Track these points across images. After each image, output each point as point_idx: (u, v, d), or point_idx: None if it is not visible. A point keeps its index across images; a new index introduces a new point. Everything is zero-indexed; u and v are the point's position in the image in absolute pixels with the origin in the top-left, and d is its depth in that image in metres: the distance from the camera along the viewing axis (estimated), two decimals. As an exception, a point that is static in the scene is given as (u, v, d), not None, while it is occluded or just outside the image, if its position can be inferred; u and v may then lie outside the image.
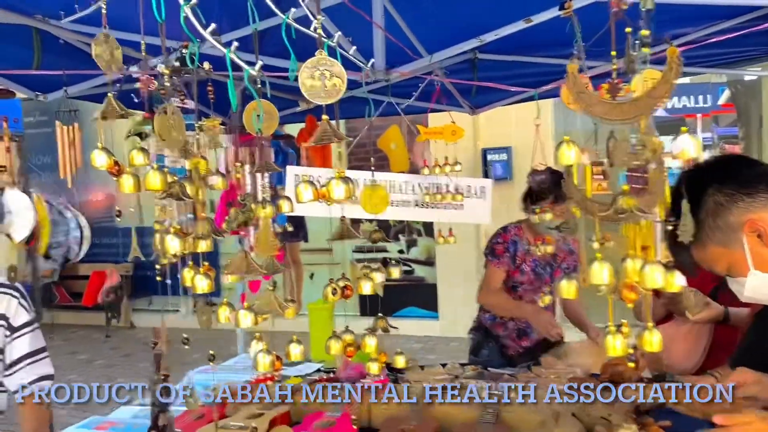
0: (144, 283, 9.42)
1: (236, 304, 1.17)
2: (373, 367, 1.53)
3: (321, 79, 1.05)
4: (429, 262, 8.56)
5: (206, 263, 1.24)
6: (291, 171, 2.95)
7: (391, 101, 2.74)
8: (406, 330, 8.24)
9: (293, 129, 5.97)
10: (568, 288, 1.16)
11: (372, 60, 2.22)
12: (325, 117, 1.09)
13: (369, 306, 1.62)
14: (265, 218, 1.15)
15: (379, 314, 1.52)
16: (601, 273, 1.00)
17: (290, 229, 3.81)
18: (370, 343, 1.46)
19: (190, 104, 2.16)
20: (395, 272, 1.66)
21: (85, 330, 9.66)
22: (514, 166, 7.78)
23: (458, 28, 2.80)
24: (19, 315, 2.27)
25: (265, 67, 2.91)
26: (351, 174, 2.91)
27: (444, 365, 3.20)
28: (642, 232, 1.10)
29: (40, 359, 2.31)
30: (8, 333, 2.25)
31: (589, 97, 0.95)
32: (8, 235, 4.99)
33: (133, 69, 2.15)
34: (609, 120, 0.94)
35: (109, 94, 1.24)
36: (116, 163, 1.23)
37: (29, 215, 5.38)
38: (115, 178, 1.21)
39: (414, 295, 8.40)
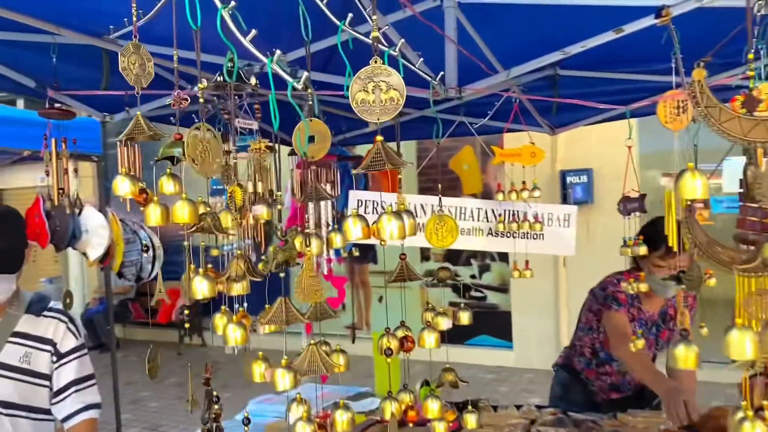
0: (218, 301, 9.49)
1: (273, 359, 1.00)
2: (439, 428, 1.32)
3: (375, 92, 0.88)
4: (503, 288, 8.23)
5: (242, 309, 1.09)
6: (353, 196, 2.79)
7: (463, 121, 2.52)
8: (477, 359, 7.92)
9: (363, 150, 5.88)
10: (685, 356, 0.92)
11: (441, 73, 2.02)
12: (378, 138, 0.91)
13: (422, 317, 1.44)
14: (308, 259, 0.98)
15: (448, 365, 1.32)
16: (742, 345, 0.73)
17: (357, 254, 3.65)
18: (433, 407, 1.26)
19: (254, 124, 2.04)
20: (465, 317, 1.45)
21: (160, 348, 9.83)
22: (595, 189, 7.38)
23: (537, 41, 2.58)
24: (67, 340, 2.20)
25: (331, 86, 2.78)
26: (418, 199, 2.72)
27: (519, 407, 2.94)
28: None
29: (87, 387, 2.22)
30: (55, 359, 2.18)
31: (719, 113, 0.73)
32: (84, 254, 5.06)
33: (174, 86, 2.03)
34: (749, 141, 0.71)
35: (137, 113, 1.11)
36: (143, 190, 1.10)
37: (105, 234, 5.42)
38: (141, 208, 1.08)
39: (486, 322, 8.08)
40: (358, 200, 2.71)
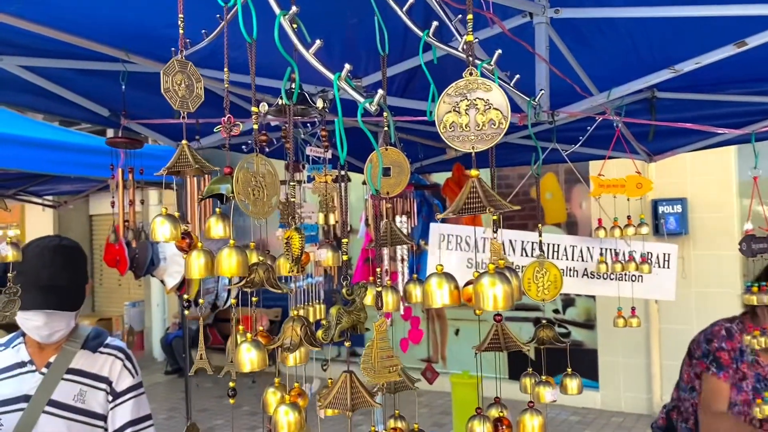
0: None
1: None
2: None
3: (469, 112, 0.68)
4: (588, 324, 7.76)
5: (297, 385, 0.90)
6: (435, 229, 2.56)
7: (555, 147, 2.27)
8: (562, 400, 7.45)
9: (440, 178, 5.67)
10: None
11: (541, 92, 1.80)
12: (474, 173, 0.71)
13: (519, 367, 1.21)
14: (380, 328, 0.77)
15: (543, 321, 1.07)
16: None
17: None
18: (533, 424, 1.01)
19: (327, 153, 1.89)
20: (574, 386, 1.21)
21: (237, 374, 9.86)
22: (690, 220, 6.88)
23: (636, 60, 2.33)
24: (124, 379, 2.09)
25: (410, 112, 2.61)
26: (507, 235, 2.47)
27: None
28: None
29: (144, 428, 2.10)
30: (111, 398, 2.07)
31: None
32: (162, 281, 5.11)
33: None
34: None
35: (183, 142, 0.95)
36: (186, 234, 0.94)
37: (182, 262, 5.38)
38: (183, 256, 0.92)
39: (572, 360, 7.62)
40: (440, 235, 2.49)
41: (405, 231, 2.76)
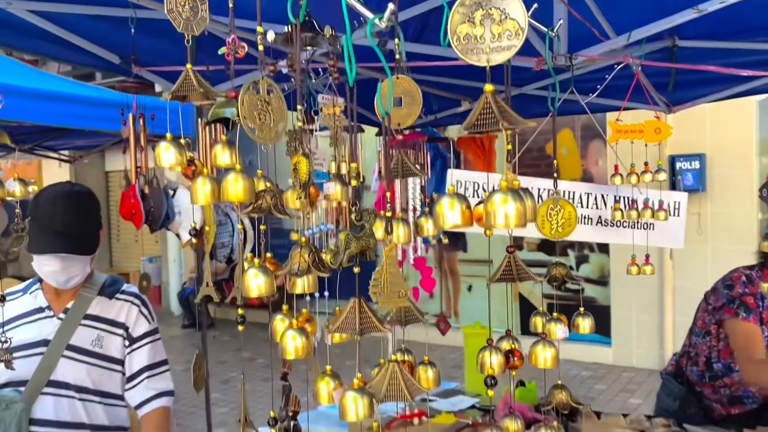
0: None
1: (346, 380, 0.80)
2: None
3: (485, 23, 0.64)
4: (602, 281, 7.76)
5: (305, 311, 0.90)
6: (452, 175, 2.53)
7: (572, 97, 2.21)
8: (574, 355, 7.52)
9: (455, 132, 5.60)
10: None
11: (559, 22, 1.74)
12: (488, 88, 0.67)
13: (532, 323, 1.21)
14: (390, 252, 0.75)
15: (559, 382, 1.08)
16: None
17: (445, 241, 3.41)
18: (545, 356, 1.01)
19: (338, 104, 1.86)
20: (585, 325, 1.19)
21: (251, 328, 10.00)
22: (708, 176, 6.78)
23: (660, 5, 2.24)
24: (140, 325, 2.12)
25: (426, 57, 2.55)
26: (524, 182, 2.45)
27: (625, 416, 2.64)
28: None
29: (160, 373, 2.13)
30: (128, 343, 2.10)
31: None
32: (177, 235, 5.14)
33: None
34: None
35: (188, 66, 0.93)
36: (191, 161, 0.93)
37: (197, 216, 5.46)
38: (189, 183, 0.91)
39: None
40: (457, 182, 2.46)
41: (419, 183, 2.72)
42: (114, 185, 12.22)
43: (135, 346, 2.11)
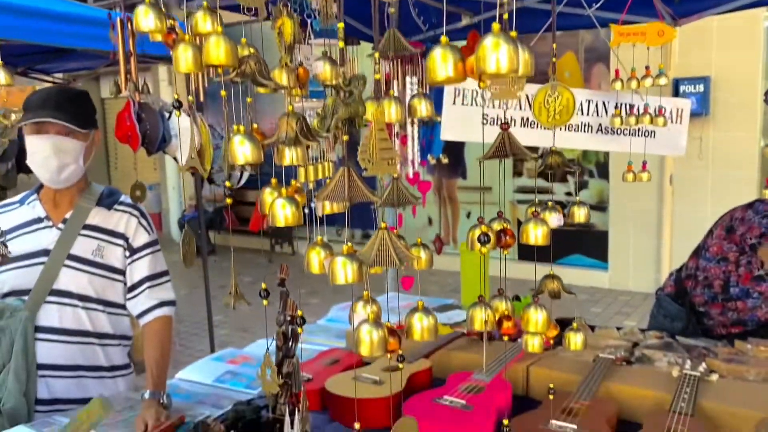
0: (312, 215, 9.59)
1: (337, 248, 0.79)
2: (534, 343, 1.11)
3: None
4: (601, 206, 7.78)
5: (294, 181, 0.89)
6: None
7: (579, 12, 2.13)
8: (570, 279, 7.60)
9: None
10: None
11: None
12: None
13: (529, 249, 1.20)
14: (379, 116, 0.74)
15: (551, 270, 1.09)
16: None
17: (445, 161, 3.40)
18: (537, 318, 1.03)
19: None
20: (581, 214, 1.19)
21: (252, 254, 10.12)
22: (712, 100, 6.68)
23: None
24: (140, 235, 2.13)
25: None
26: (526, 89, 2.40)
27: (619, 329, 2.68)
28: None
29: (161, 283, 2.16)
30: (128, 254, 2.11)
31: None
32: (174, 158, 5.12)
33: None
34: None
35: None
36: (172, 29, 0.89)
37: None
38: (172, 52, 0.88)
39: (581, 242, 7.72)
40: (455, 89, 2.41)
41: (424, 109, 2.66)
42: (110, 112, 12.08)
43: (136, 256, 2.13)
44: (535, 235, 0.97)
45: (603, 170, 7.64)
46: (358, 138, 0.77)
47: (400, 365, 1.00)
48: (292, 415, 1.52)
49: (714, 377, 1.98)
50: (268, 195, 0.85)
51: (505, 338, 1.04)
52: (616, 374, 2.02)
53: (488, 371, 2.02)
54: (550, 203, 1.04)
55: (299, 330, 1.65)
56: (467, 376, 2.00)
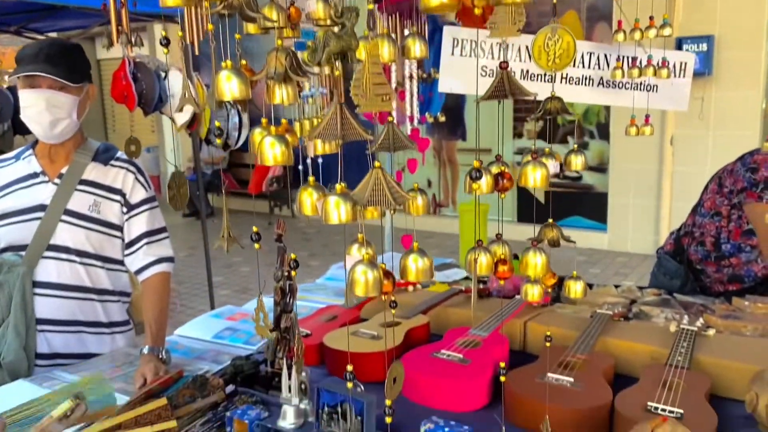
0: (308, 173, 9.56)
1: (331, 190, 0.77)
2: (533, 292, 1.11)
3: None
4: (601, 168, 7.75)
5: (284, 120, 0.87)
6: (448, 33, 2.39)
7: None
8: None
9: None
10: None
11: None
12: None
13: (527, 211, 1.18)
14: (373, 48, 0.71)
15: (550, 220, 1.07)
16: None
17: (443, 119, 3.36)
18: (536, 262, 1.02)
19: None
20: (577, 162, 1.17)
21: (251, 216, 10.13)
22: (715, 60, 6.59)
23: None
24: (137, 191, 2.11)
25: None
26: (525, 40, 2.33)
27: (617, 287, 2.69)
28: None
29: (160, 239, 2.15)
30: (125, 210, 2.10)
31: None
32: (171, 119, 5.07)
33: None
34: None
35: None
36: None
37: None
38: None
39: (581, 203, 7.71)
40: (453, 39, 2.37)
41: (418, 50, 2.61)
42: (106, 74, 11.93)
43: (133, 213, 2.12)
44: (534, 177, 0.95)
45: (603, 131, 7.59)
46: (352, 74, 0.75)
47: (393, 311, 1.00)
48: (289, 368, 1.53)
49: (711, 332, 1.98)
50: (257, 135, 0.83)
51: (501, 282, 1.03)
52: (613, 329, 2.03)
53: (486, 327, 2.03)
54: (547, 149, 1.02)
55: (293, 273, 1.65)
56: (465, 331, 2.01)
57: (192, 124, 5.61)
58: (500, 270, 0.99)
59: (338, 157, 0.78)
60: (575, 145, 1.13)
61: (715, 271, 2.75)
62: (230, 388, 1.80)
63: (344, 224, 0.87)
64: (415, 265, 0.78)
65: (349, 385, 0.87)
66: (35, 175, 2.06)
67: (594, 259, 7.34)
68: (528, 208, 7.57)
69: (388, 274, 0.75)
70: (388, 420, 0.93)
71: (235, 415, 1.42)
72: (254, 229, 0.97)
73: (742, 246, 2.66)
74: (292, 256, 1.11)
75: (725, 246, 2.70)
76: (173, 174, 1.20)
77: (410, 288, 2.57)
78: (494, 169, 0.98)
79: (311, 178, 0.83)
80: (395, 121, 0.81)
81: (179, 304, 6.81)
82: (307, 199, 0.82)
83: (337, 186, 0.70)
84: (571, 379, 1.64)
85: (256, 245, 0.99)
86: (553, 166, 1.01)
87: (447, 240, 7.64)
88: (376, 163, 0.71)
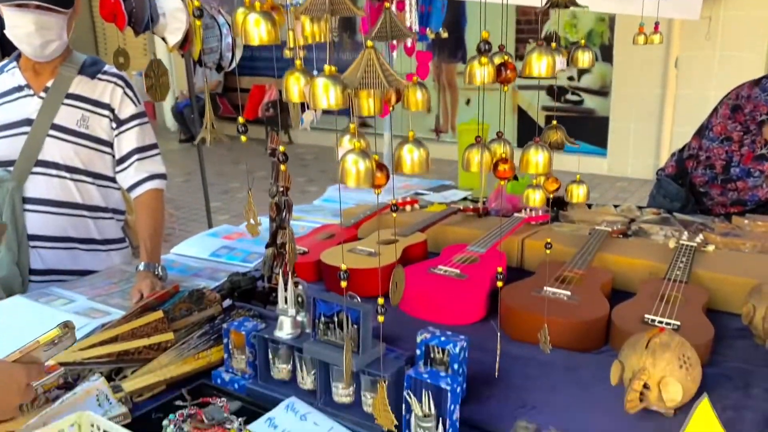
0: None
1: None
2: (534, 197, 1.07)
3: None
4: (602, 92, 7.61)
5: None
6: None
7: None
8: (567, 166, 7.57)
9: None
10: None
11: None
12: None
13: (528, 136, 1.15)
14: None
15: (554, 122, 1.02)
16: None
17: (445, 35, 3.25)
18: (537, 160, 0.97)
19: None
20: (584, 59, 1.09)
21: (248, 142, 10.04)
22: (725, -23, 6.37)
23: None
24: (126, 106, 2.05)
25: None
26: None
27: (616, 206, 2.67)
28: None
29: (151, 156, 2.10)
30: (115, 125, 2.04)
31: None
32: (163, 39, 4.92)
33: None
34: None
35: None
36: None
37: (182, 17, 5.21)
38: None
39: (581, 128, 7.61)
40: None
41: None
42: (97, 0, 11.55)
43: (123, 128, 2.06)
44: (539, 67, 0.90)
45: (607, 53, 7.41)
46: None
47: (394, 214, 0.97)
48: (286, 284, 1.51)
49: (710, 248, 1.97)
50: (240, 14, 0.77)
51: (501, 183, 1.00)
52: (611, 246, 2.01)
53: (483, 243, 2.01)
54: (554, 44, 0.96)
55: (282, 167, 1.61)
56: (462, 248, 2.00)
57: (184, 44, 5.46)
58: (500, 169, 0.95)
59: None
60: (582, 41, 1.07)
61: (720, 194, 2.74)
62: (227, 302, 1.80)
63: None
64: (410, 156, 0.73)
65: (343, 284, 0.85)
66: (20, 88, 1.99)
67: (593, 183, 7.31)
68: (529, 133, 7.49)
69: (381, 167, 0.71)
70: (381, 319, 0.91)
71: (232, 326, 1.41)
72: (240, 120, 0.92)
73: (752, 171, 2.64)
74: (281, 148, 1.06)
75: (735, 170, 2.68)
76: (151, 62, 1.14)
77: (408, 207, 2.54)
78: (497, 60, 0.92)
79: (298, 62, 0.77)
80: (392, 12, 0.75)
81: (177, 229, 6.83)
82: (294, 85, 0.77)
83: (326, 68, 0.65)
84: (568, 293, 1.63)
85: (243, 138, 0.94)
86: (560, 62, 0.95)
87: (446, 166, 7.59)
88: (368, 43, 0.66)
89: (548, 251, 1.18)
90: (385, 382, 1.05)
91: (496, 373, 1.36)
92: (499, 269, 1.19)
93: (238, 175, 8.63)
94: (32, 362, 1.06)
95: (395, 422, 1.04)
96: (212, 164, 8.64)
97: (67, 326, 1.09)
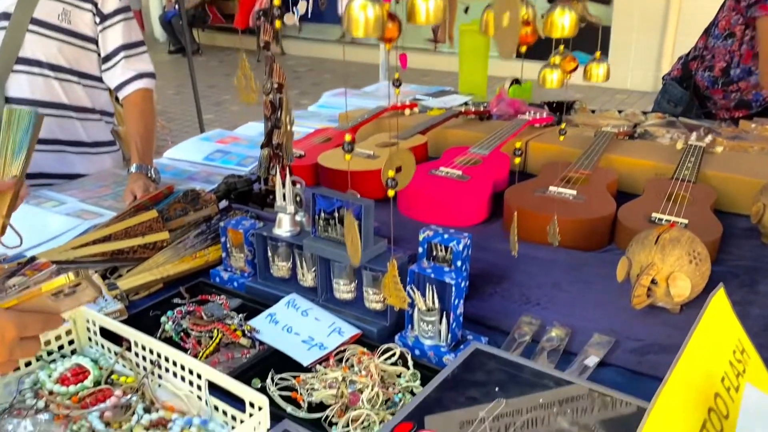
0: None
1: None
2: (552, 78, 1.00)
3: None
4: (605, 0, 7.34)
5: None
6: None
7: None
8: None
9: None
10: None
11: None
12: None
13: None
14: None
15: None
16: None
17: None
18: (562, 23, 0.89)
19: None
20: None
21: (240, 53, 9.76)
22: None
23: None
24: (109, 1, 1.92)
25: None
26: None
27: (620, 111, 2.60)
28: None
29: (138, 54, 2.00)
30: (98, 20, 1.93)
31: None
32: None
33: None
34: None
35: None
36: None
37: None
38: None
39: (581, 37, 7.31)
40: None
41: None
42: None
43: (107, 23, 1.94)
44: (562, 23, 0.82)
45: (612, -41, 7.11)
46: None
47: (397, 90, 0.90)
48: (284, 181, 1.46)
49: (719, 149, 1.92)
50: None
51: (523, 48, 0.93)
52: (617, 147, 1.96)
53: (486, 145, 1.96)
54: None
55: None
56: (464, 150, 1.94)
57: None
58: (522, 33, 0.87)
59: None
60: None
61: (722, 98, 2.66)
62: (223, 203, 1.76)
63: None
64: (425, 4, 0.66)
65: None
66: (-5, -20, 1.85)
67: (592, 95, 7.17)
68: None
69: (392, 17, 0.64)
70: (391, 193, 0.86)
71: (230, 225, 1.37)
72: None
73: (753, 69, 2.55)
74: (278, 25, 0.98)
75: (734, 71, 2.59)
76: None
77: (407, 111, 2.46)
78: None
79: None
80: None
81: (170, 141, 6.72)
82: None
83: None
84: (574, 192, 1.59)
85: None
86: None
87: (444, 78, 7.41)
88: None
89: (561, 137, 1.12)
90: (396, 261, 1.01)
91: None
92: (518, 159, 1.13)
93: (230, 87, 8.40)
94: (33, 311, 0.85)
95: (408, 300, 1.01)
96: (204, 75, 8.41)
97: (78, 274, 0.88)
